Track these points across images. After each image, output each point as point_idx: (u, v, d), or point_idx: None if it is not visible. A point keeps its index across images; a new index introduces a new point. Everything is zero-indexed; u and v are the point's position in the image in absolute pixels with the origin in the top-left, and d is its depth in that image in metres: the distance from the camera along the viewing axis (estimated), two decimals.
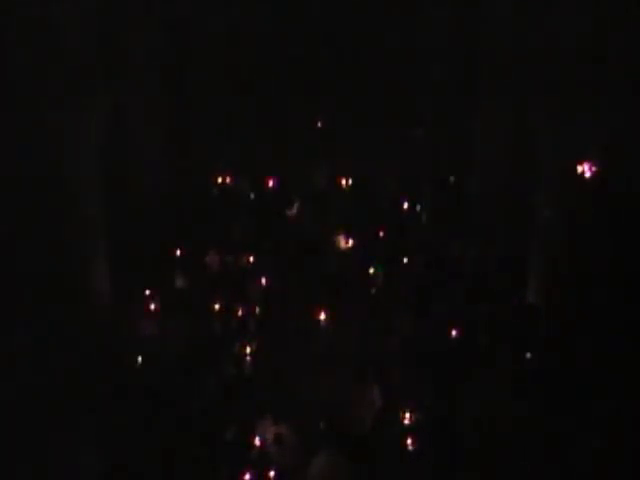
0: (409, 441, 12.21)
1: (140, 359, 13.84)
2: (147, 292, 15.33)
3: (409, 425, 12.60)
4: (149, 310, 15.06)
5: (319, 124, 20.69)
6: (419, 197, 18.84)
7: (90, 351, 13.94)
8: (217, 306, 15.14)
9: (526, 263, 15.75)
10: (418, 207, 19.08)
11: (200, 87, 19.38)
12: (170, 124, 18.56)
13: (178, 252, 16.82)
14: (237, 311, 15.11)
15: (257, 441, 12.08)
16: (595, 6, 13.91)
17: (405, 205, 18.66)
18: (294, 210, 18.98)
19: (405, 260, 16.83)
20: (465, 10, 18.32)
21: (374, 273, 16.51)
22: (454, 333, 14.21)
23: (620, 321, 13.45)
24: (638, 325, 13.30)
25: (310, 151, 19.62)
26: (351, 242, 17.30)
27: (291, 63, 20.11)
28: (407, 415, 12.61)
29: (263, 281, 15.92)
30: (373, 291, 16.35)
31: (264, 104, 19.88)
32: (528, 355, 13.87)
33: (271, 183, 19.06)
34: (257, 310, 15.37)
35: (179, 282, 16.30)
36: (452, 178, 19.22)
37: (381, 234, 17.83)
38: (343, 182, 19.09)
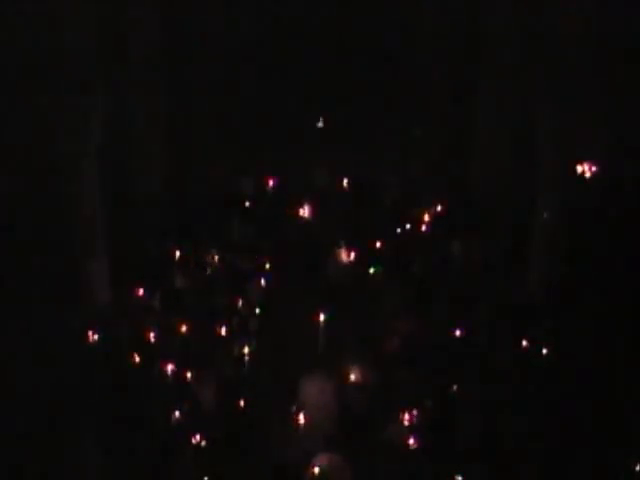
0: (410, 441, 12.24)
1: (140, 359, 13.84)
2: (147, 292, 15.32)
3: (409, 425, 12.61)
4: (149, 310, 15.04)
5: (319, 124, 20.65)
6: (419, 197, 18.78)
7: (90, 351, 13.94)
8: (216, 306, 15.12)
9: (526, 263, 15.75)
10: (419, 207, 19.03)
11: (200, 86, 19.34)
12: (170, 124, 18.53)
13: (178, 252, 16.78)
14: (237, 311, 15.11)
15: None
16: (596, 5, 13.94)
17: (405, 205, 18.63)
18: (294, 210, 18.90)
19: (405, 260, 16.81)
20: (465, 9, 18.30)
21: (374, 273, 16.49)
22: (454, 333, 14.23)
23: (620, 320, 13.48)
24: (638, 324, 13.33)
25: (310, 151, 19.59)
26: (351, 243, 17.25)
27: (291, 63, 20.11)
28: (407, 415, 12.64)
29: (262, 282, 15.91)
30: (373, 291, 16.32)
31: (264, 104, 19.86)
32: (527, 355, 13.88)
33: (271, 183, 19.02)
34: (257, 310, 15.36)
35: (179, 282, 16.27)
36: (452, 178, 19.19)
37: (381, 234, 17.78)
38: (344, 182, 19.03)
